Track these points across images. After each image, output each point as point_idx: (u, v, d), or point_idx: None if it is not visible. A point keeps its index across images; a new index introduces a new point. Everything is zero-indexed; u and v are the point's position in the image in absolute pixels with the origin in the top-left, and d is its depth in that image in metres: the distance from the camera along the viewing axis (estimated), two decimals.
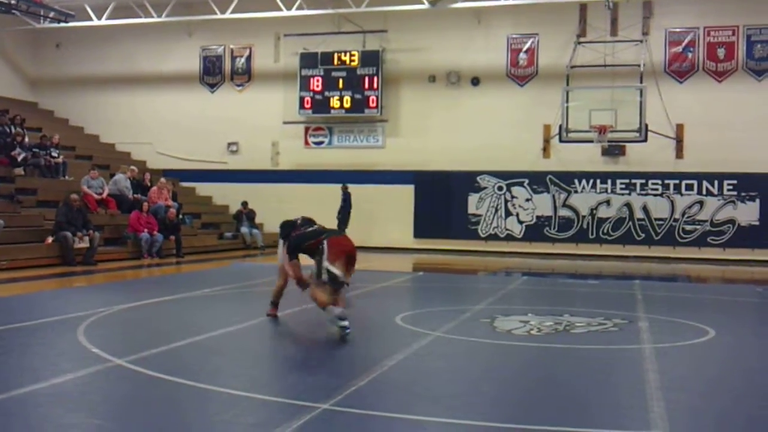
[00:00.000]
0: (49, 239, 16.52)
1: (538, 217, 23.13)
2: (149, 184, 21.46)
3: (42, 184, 19.46)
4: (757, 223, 21.61)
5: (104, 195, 19.56)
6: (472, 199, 23.53)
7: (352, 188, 23.38)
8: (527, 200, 23.13)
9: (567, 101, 21.15)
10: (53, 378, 6.23)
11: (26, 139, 20.45)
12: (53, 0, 23.28)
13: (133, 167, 21.87)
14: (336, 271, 8.46)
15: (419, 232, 23.67)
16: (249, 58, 25.88)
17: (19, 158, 19.56)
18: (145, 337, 8.40)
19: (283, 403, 5.68)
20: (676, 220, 22.17)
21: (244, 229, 23.19)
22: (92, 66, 26.85)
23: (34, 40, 27.47)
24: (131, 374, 6.55)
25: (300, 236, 9.05)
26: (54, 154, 20.45)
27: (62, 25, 23.84)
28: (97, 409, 5.54)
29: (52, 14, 23.51)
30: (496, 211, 23.34)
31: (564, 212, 22.95)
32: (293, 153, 25.07)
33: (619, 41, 22.34)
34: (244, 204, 23.62)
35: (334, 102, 24.34)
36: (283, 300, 9.86)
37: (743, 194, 21.72)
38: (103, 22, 24.21)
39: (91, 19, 24.26)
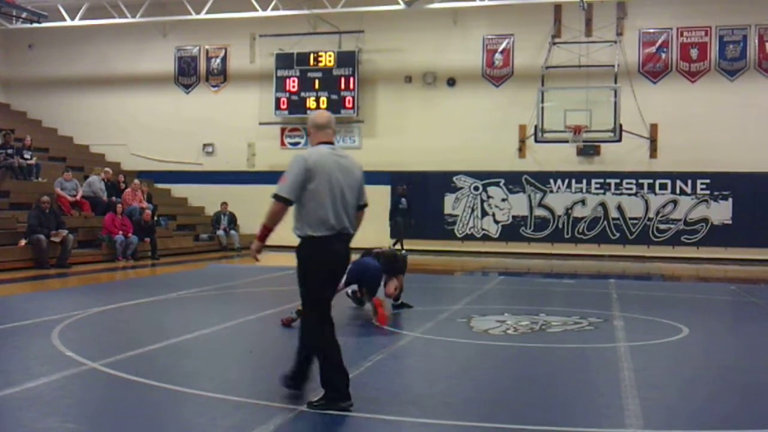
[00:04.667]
0: (22, 242, 16.34)
1: (514, 217, 23.23)
2: (124, 186, 21.30)
3: (14, 187, 19.24)
4: (730, 222, 21.84)
5: (78, 197, 19.38)
6: (449, 199, 23.59)
7: None
8: (503, 200, 23.23)
9: (542, 102, 21.26)
10: (27, 382, 6.17)
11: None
12: (26, 0, 23.04)
13: (107, 169, 21.70)
14: None
15: (396, 233, 23.66)
16: (224, 59, 25.78)
17: None
18: (120, 340, 8.34)
19: (260, 405, 5.66)
20: (650, 220, 22.36)
21: (220, 232, 23.07)
22: (66, 67, 26.61)
23: (6, 41, 27.18)
24: (106, 378, 6.50)
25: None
26: (27, 156, 20.23)
27: (35, 25, 23.55)
28: (71, 413, 5.49)
29: (24, 15, 23.24)
30: (473, 211, 23.42)
31: (540, 212, 23.07)
32: (269, 154, 24.99)
33: (593, 42, 22.50)
34: (224, 205, 23.40)
35: (311, 103, 24.29)
36: (260, 302, 9.83)
37: (716, 193, 21.95)
38: (77, 22, 23.99)
39: (64, 20, 24.04)
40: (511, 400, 6.09)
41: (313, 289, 5.63)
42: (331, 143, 5.80)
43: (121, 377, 6.45)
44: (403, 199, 22.27)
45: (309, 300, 5.66)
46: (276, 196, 5.61)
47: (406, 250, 21.25)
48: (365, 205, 5.93)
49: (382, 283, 9.72)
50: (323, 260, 5.59)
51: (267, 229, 5.69)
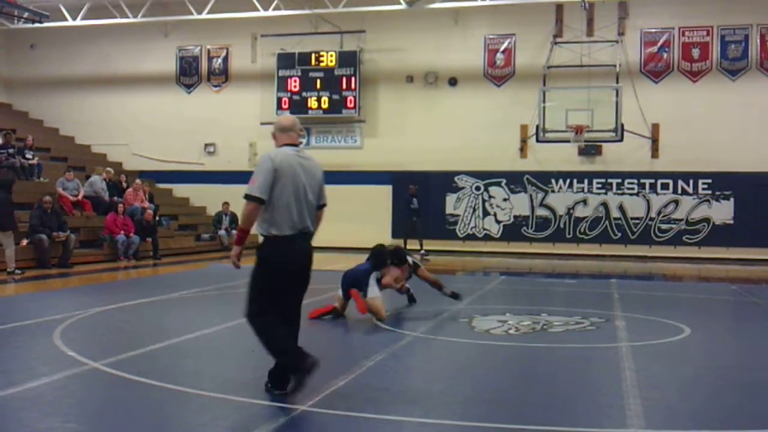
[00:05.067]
0: (24, 242, 16.35)
1: (515, 217, 23.23)
2: (125, 186, 21.31)
3: (16, 186, 19.22)
4: (732, 221, 21.83)
5: (80, 197, 19.40)
6: (450, 199, 23.59)
7: (329, 189, 23.41)
8: (505, 200, 23.23)
9: (544, 101, 21.24)
10: (28, 382, 6.17)
11: (0, 141, 20.22)
12: (27, 0, 23.06)
13: (109, 169, 21.72)
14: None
15: (397, 233, 23.65)
16: (226, 59, 25.79)
17: None
18: (122, 340, 8.34)
19: (261, 405, 5.66)
20: (651, 219, 22.35)
21: (222, 232, 23.08)
22: (67, 67, 26.63)
23: (8, 41, 27.20)
24: (107, 377, 6.50)
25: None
26: (28, 155, 20.24)
27: (37, 25, 23.61)
28: (72, 413, 5.50)
29: (26, 14, 23.28)
30: (474, 211, 23.42)
31: (541, 212, 23.07)
32: None
33: (595, 41, 22.49)
34: (225, 205, 23.40)
35: (312, 103, 24.31)
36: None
37: (718, 193, 21.94)
38: (78, 22, 24.02)
39: (66, 20, 24.07)
40: (512, 399, 6.09)
41: (271, 288, 5.79)
42: (295, 145, 6.01)
43: (122, 377, 6.45)
44: (414, 199, 22.07)
45: (263, 298, 5.80)
46: (248, 197, 5.76)
47: (412, 250, 21.33)
48: (324, 205, 6.17)
49: (373, 282, 9.73)
50: (286, 259, 5.77)
51: (244, 232, 5.92)
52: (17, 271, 15.04)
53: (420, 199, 22.31)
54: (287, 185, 5.72)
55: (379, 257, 10.10)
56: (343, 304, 9.88)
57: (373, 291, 9.64)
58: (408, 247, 21.41)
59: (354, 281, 9.80)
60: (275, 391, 5.84)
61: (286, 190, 5.72)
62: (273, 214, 5.74)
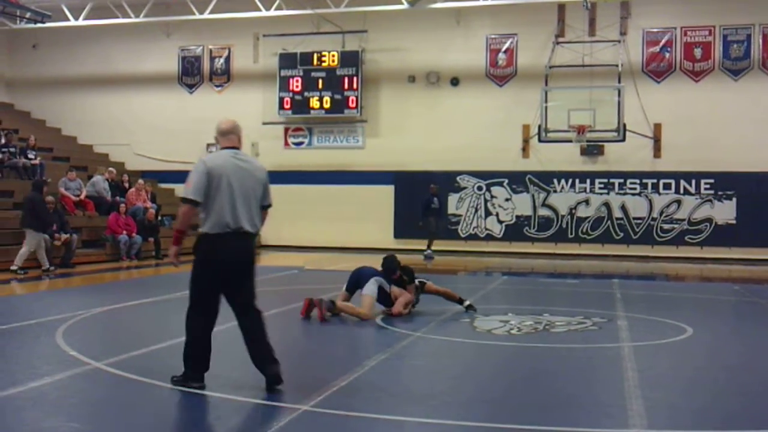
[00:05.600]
0: None
1: (517, 217, 23.22)
2: (127, 186, 21.32)
3: (19, 186, 19.27)
4: (734, 221, 21.81)
5: (82, 197, 19.41)
6: (452, 199, 23.57)
7: (331, 189, 23.47)
8: (507, 200, 23.21)
9: (546, 101, 21.22)
10: (31, 381, 6.18)
11: (2, 141, 20.24)
12: (30, 0, 23.07)
13: (111, 169, 21.73)
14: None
15: (399, 233, 23.67)
16: (228, 59, 25.80)
17: None
18: (124, 340, 8.35)
19: (263, 404, 5.67)
20: (654, 219, 22.33)
21: None
22: (69, 67, 26.65)
23: (10, 41, 27.22)
24: (110, 377, 6.51)
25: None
26: (31, 155, 20.27)
27: (39, 25, 23.62)
28: (75, 413, 5.50)
29: (28, 15, 23.29)
30: (476, 211, 23.40)
31: (543, 212, 23.06)
32: (273, 154, 24.95)
33: (597, 41, 22.47)
34: None
35: (314, 102, 24.31)
36: (262, 302, 9.84)
37: (720, 193, 21.91)
38: (81, 22, 24.02)
39: (68, 20, 24.06)
40: (514, 400, 6.09)
41: (203, 287, 6.06)
42: (236, 148, 6.23)
43: (124, 377, 6.46)
44: (435, 199, 21.77)
45: (196, 293, 6.09)
46: (182, 199, 6.07)
47: (432, 251, 21.28)
48: (269, 206, 6.35)
49: (374, 283, 9.79)
50: (217, 256, 5.99)
51: (179, 233, 6.20)
52: (51, 267, 15.57)
53: (421, 199, 22.23)
54: (221, 187, 5.93)
55: (390, 265, 10.15)
56: (345, 296, 9.91)
57: (370, 289, 9.73)
58: (433, 247, 21.34)
59: (357, 281, 9.90)
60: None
61: (220, 191, 5.93)
62: (208, 214, 5.96)
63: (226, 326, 9.13)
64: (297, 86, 24.43)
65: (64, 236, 16.60)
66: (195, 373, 6.04)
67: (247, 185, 6.05)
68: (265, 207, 6.29)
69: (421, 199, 21.92)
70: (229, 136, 6.28)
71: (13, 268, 15.22)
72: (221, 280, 6.02)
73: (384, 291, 9.86)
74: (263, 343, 6.14)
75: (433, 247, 21.51)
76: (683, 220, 22.15)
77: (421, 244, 21.84)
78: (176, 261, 6.24)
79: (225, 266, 6.01)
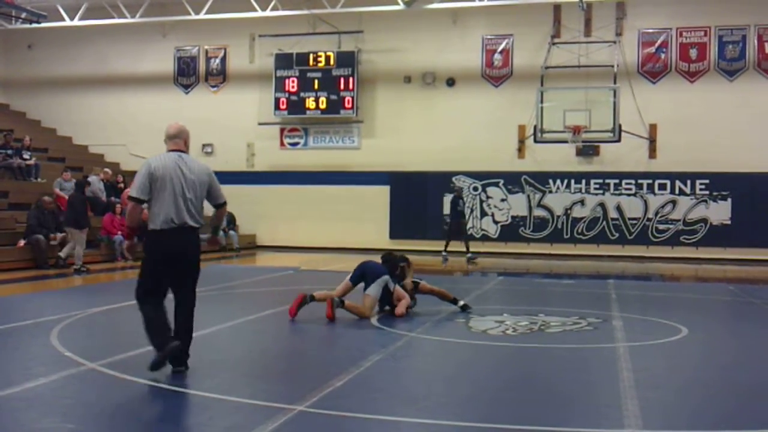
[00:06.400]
0: (22, 242, 16.34)
1: (513, 217, 23.25)
2: (123, 186, 21.28)
3: (14, 187, 19.25)
4: (729, 222, 21.86)
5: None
6: (448, 199, 23.56)
7: (327, 189, 23.45)
8: (502, 200, 23.24)
9: (542, 102, 21.26)
10: (26, 382, 6.17)
11: (2, 142, 20.22)
12: (25, 0, 23.03)
13: (106, 169, 21.71)
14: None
15: (395, 233, 23.68)
16: (224, 59, 25.79)
17: None
18: (119, 341, 8.33)
19: (258, 405, 5.66)
20: (649, 220, 22.37)
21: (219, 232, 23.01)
22: (65, 67, 26.62)
23: (5, 41, 27.18)
24: (105, 378, 6.50)
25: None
26: (26, 156, 20.24)
27: (34, 26, 23.55)
28: (70, 414, 5.49)
29: (24, 15, 23.24)
30: (472, 211, 23.42)
31: (539, 212, 23.08)
32: (269, 154, 25.00)
33: (592, 42, 22.52)
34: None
35: (310, 103, 24.31)
36: (259, 302, 9.85)
37: (715, 193, 21.97)
38: (76, 22, 23.97)
39: (63, 20, 24.02)
40: (510, 400, 6.09)
41: (150, 276, 6.58)
42: (181, 151, 6.77)
43: (120, 377, 6.45)
44: (461, 200, 21.29)
45: (144, 281, 6.59)
46: (129, 197, 6.67)
47: (447, 252, 20.90)
48: (223, 204, 7.04)
49: (379, 284, 9.82)
50: (161, 250, 6.53)
51: (129, 229, 6.91)
52: (83, 267, 15.81)
53: (417, 199, 22.24)
54: (164, 186, 6.47)
55: (392, 260, 10.30)
56: (348, 286, 9.95)
57: (375, 291, 9.78)
58: (449, 248, 21.02)
59: (363, 275, 9.94)
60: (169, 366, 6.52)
61: (163, 190, 6.47)
62: (152, 211, 6.54)
63: (222, 326, 9.16)
64: (293, 87, 24.43)
65: (59, 235, 16.58)
66: (160, 350, 6.40)
67: (189, 185, 6.56)
68: (219, 205, 7.00)
69: (452, 201, 21.44)
70: (175, 140, 6.82)
71: (75, 266, 15.86)
72: (166, 271, 6.55)
73: (388, 290, 9.93)
74: (187, 337, 6.68)
75: (447, 249, 20.91)
76: (678, 220, 22.19)
77: (416, 245, 21.88)
78: (127, 253, 6.82)
79: (170, 258, 6.53)
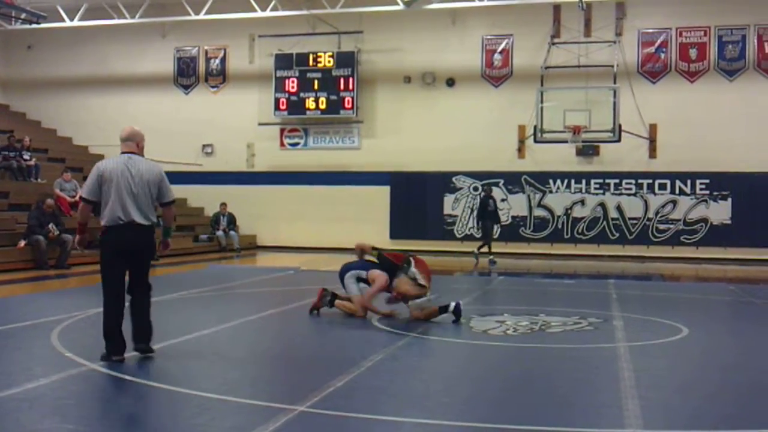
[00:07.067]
0: (22, 243, 16.34)
1: (513, 218, 23.24)
2: None
3: (14, 187, 19.25)
4: (729, 221, 21.85)
5: (77, 198, 19.36)
6: (448, 199, 23.59)
7: (327, 190, 23.44)
8: (502, 200, 23.20)
9: (541, 102, 21.25)
10: (26, 383, 6.17)
11: (6, 143, 20.22)
12: (25, 1, 23.02)
13: None
14: (420, 280, 9.63)
15: (395, 233, 23.67)
16: (223, 60, 25.78)
17: None
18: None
19: (259, 405, 5.66)
20: (649, 220, 22.37)
21: (219, 232, 23.05)
22: (65, 68, 26.61)
23: (5, 42, 27.17)
24: (105, 378, 6.50)
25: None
26: (26, 156, 20.23)
27: (34, 26, 23.56)
28: (70, 414, 5.49)
29: (23, 15, 23.23)
30: (472, 211, 23.39)
31: (539, 212, 23.08)
32: (269, 154, 24.99)
33: (592, 42, 22.51)
34: (223, 205, 23.39)
35: (310, 103, 24.30)
36: (260, 302, 9.85)
37: (715, 193, 21.96)
38: (76, 23, 23.96)
39: (63, 21, 24.01)
40: (510, 400, 6.09)
41: (106, 268, 7.12)
42: (133, 153, 7.31)
43: (120, 378, 6.46)
44: (491, 200, 20.71)
45: (102, 275, 7.15)
46: (80, 198, 7.35)
47: (479, 253, 20.44)
48: (171, 202, 7.47)
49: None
50: (113, 245, 7.09)
51: (80, 225, 7.55)
52: None
53: (418, 199, 22.20)
54: (112, 186, 7.00)
55: (378, 262, 10.15)
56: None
57: (351, 289, 9.84)
58: (482, 249, 20.46)
59: (341, 278, 9.91)
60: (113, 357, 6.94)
61: (111, 190, 6.99)
62: (103, 210, 7.06)
63: (223, 326, 9.16)
64: (293, 87, 24.42)
65: (56, 229, 16.51)
66: (111, 346, 6.95)
67: (137, 184, 7.04)
68: (164, 204, 7.39)
69: (482, 202, 21.05)
70: (127, 143, 7.38)
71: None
72: (118, 263, 7.06)
73: (363, 280, 9.81)
74: (144, 321, 7.13)
75: (491, 251, 20.14)
76: (679, 220, 22.19)
77: (416, 245, 21.81)
78: (80, 248, 7.83)
79: (119, 252, 7.04)
